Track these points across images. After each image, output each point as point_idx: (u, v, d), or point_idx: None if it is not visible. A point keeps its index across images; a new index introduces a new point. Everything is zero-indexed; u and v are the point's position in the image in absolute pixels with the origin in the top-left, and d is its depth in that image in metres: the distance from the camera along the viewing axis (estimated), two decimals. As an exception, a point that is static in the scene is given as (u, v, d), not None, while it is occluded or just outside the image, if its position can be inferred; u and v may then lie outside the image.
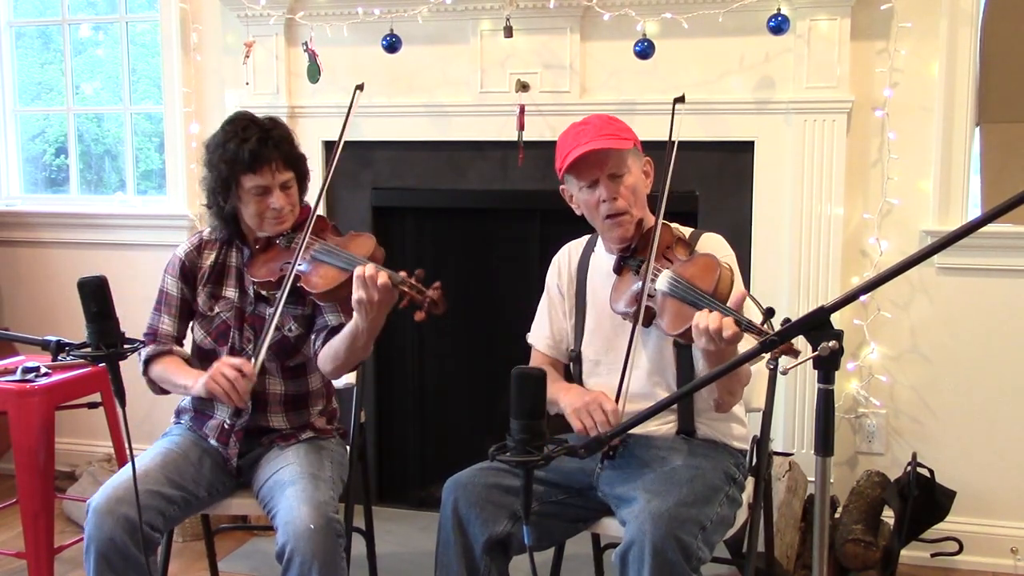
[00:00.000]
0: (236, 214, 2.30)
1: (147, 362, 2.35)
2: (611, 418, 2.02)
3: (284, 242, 2.28)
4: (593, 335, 2.24)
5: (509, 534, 2.07)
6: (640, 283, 2.05)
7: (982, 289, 3.04)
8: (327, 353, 2.25)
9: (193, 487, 2.24)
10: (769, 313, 1.78)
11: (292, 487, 2.16)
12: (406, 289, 2.01)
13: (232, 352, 2.32)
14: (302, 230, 2.27)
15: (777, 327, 1.62)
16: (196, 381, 2.22)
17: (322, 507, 2.10)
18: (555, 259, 2.37)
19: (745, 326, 1.79)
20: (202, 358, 2.37)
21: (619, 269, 2.15)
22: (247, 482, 2.35)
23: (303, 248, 2.21)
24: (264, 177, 2.21)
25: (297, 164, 2.30)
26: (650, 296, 2.02)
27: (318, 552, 2.03)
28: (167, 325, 2.36)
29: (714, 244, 2.19)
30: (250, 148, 2.19)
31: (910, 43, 2.98)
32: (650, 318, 2.04)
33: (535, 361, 2.35)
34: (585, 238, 2.35)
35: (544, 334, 2.34)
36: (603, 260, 2.25)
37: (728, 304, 1.87)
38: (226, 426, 2.33)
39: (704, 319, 1.83)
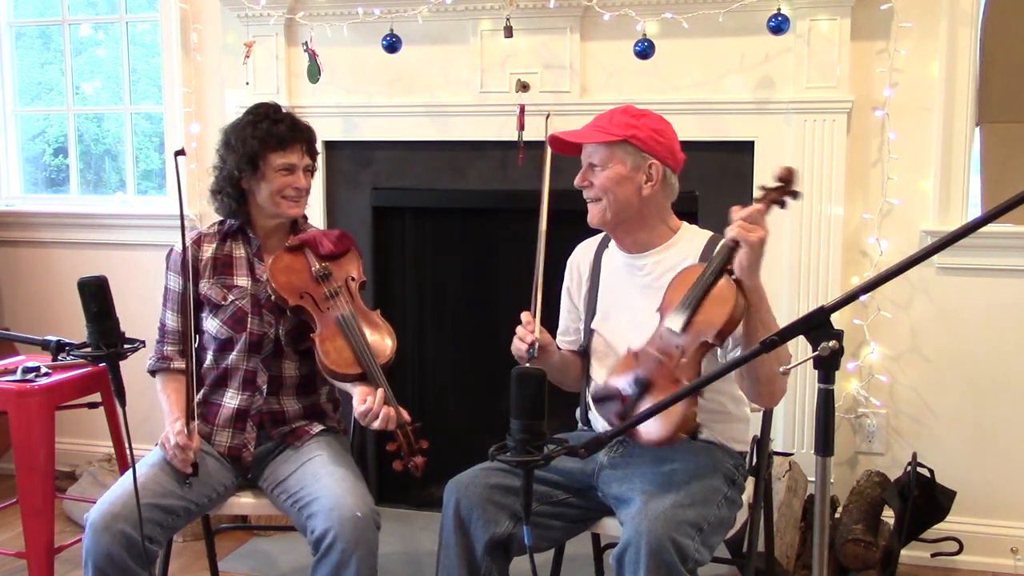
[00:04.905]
0: (246, 198, 2.36)
1: (152, 372, 2.43)
2: (526, 325, 2.10)
3: (319, 273, 2.35)
4: (605, 320, 2.25)
5: (510, 535, 2.07)
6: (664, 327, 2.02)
7: (982, 289, 3.04)
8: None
9: (194, 495, 2.23)
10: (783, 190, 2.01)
11: (331, 476, 2.19)
12: (400, 437, 2.20)
13: (251, 337, 2.34)
14: (329, 257, 2.39)
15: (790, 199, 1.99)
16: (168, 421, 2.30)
17: (365, 497, 2.17)
18: (568, 262, 2.38)
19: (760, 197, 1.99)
20: (220, 349, 2.37)
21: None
22: (254, 480, 2.35)
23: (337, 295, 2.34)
24: (292, 157, 2.34)
25: (314, 156, 2.43)
26: (676, 335, 1.98)
27: (361, 540, 2.07)
28: (171, 320, 2.42)
29: None
30: (283, 128, 2.34)
31: (910, 43, 2.98)
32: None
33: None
34: (599, 236, 2.33)
35: (566, 339, 2.35)
36: (616, 257, 2.25)
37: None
38: (241, 409, 2.33)
39: (740, 213, 1.90)
